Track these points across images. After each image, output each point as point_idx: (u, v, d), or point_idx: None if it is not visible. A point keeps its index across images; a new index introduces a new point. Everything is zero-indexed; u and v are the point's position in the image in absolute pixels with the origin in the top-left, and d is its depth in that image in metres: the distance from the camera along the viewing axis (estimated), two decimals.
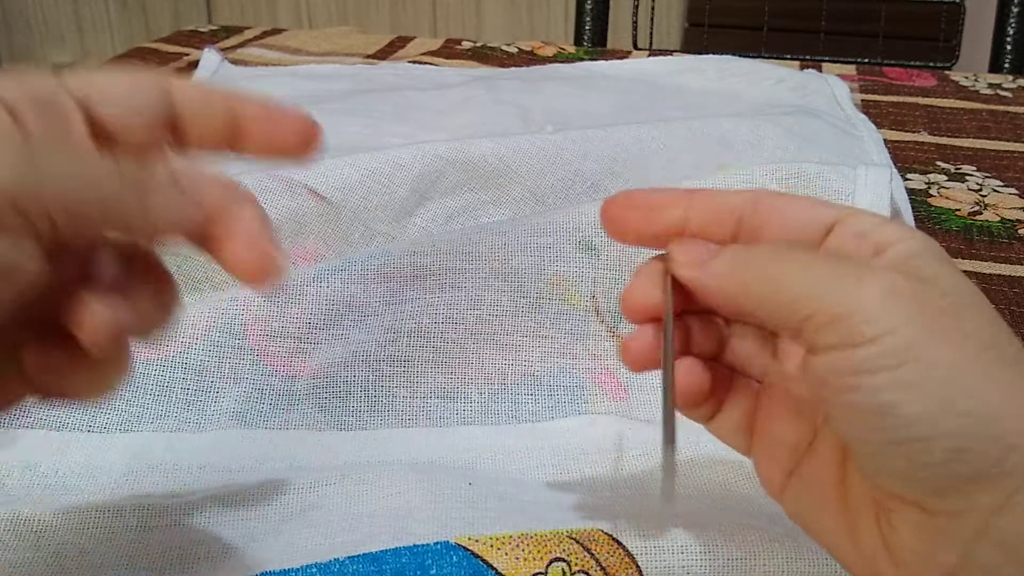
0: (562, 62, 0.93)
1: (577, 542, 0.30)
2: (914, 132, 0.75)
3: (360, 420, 0.40)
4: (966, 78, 0.89)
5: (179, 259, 0.37)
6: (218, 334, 0.40)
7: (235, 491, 0.35)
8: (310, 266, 0.43)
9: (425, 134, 0.65)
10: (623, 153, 0.55)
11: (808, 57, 0.98)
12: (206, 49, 0.88)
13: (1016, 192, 0.64)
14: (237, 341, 0.40)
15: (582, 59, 0.94)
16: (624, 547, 0.31)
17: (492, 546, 0.30)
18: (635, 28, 1.21)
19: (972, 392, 0.22)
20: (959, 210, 0.61)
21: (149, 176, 0.23)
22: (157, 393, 0.39)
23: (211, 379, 0.40)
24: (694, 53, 0.94)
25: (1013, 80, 0.89)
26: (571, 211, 0.43)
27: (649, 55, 0.94)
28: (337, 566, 0.29)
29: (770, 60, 0.91)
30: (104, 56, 0.91)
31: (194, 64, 0.87)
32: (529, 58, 0.95)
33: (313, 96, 0.77)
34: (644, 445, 0.38)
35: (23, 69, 0.24)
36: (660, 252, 0.29)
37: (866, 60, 1.02)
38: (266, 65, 0.90)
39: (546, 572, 0.30)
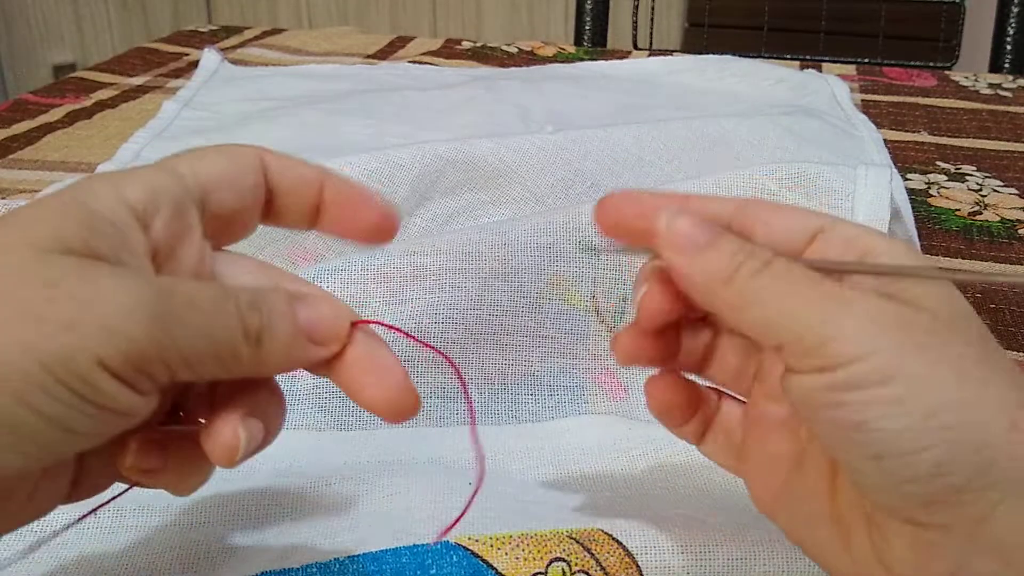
0: (562, 62, 0.93)
1: (577, 542, 0.30)
2: (914, 132, 0.75)
3: (360, 420, 0.40)
4: (966, 78, 0.89)
5: None
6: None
7: (235, 491, 0.35)
8: (310, 266, 0.43)
9: (425, 134, 0.65)
10: (623, 153, 0.55)
11: (808, 57, 0.98)
12: (206, 49, 0.88)
13: (1016, 192, 0.64)
14: None
15: (582, 59, 0.94)
16: (624, 547, 0.31)
17: (492, 546, 0.30)
18: (635, 28, 1.21)
19: (953, 407, 0.22)
20: (959, 210, 0.61)
21: (268, 313, 0.24)
22: None
23: None
24: (694, 53, 0.94)
25: (1013, 80, 0.89)
26: (571, 211, 0.43)
27: (649, 55, 0.94)
28: (337, 566, 0.29)
29: (770, 60, 0.91)
30: (104, 56, 0.91)
31: (194, 64, 0.87)
32: (529, 58, 0.95)
33: (313, 96, 0.77)
34: (644, 445, 0.38)
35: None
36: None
37: (866, 60, 1.02)
38: (266, 65, 0.90)
39: (546, 572, 0.30)
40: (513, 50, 0.98)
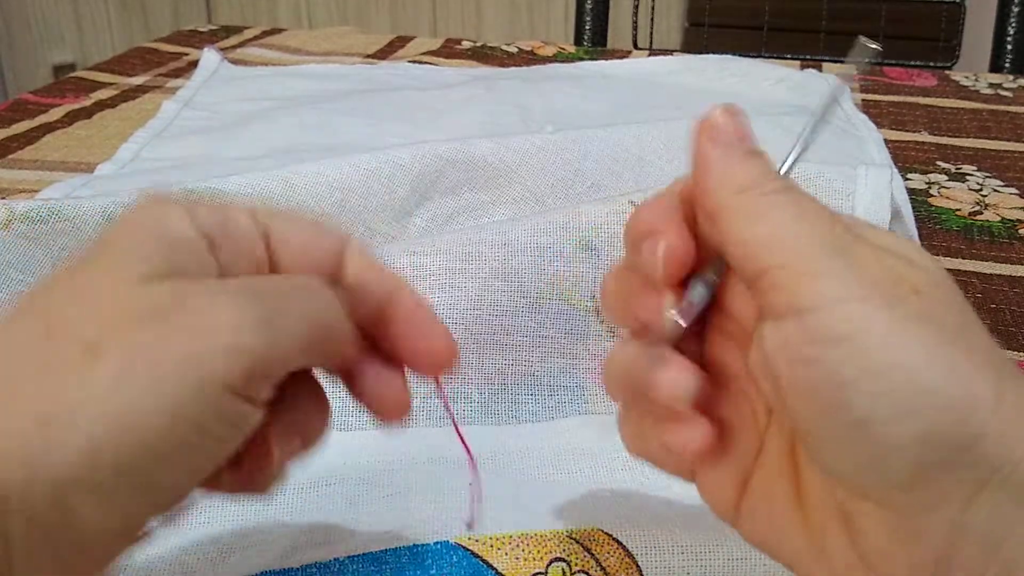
0: (562, 62, 0.93)
1: (577, 542, 0.30)
2: (914, 132, 0.75)
3: (361, 420, 0.40)
4: (966, 78, 0.89)
5: None
6: None
7: None
8: None
9: (425, 134, 0.65)
10: (623, 153, 0.55)
11: (808, 57, 0.98)
12: (206, 49, 0.88)
13: (1016, 192, 0.64)
14: None
15: (582, 59, 0.94)
16: (624, 547, 0.31)
17: (492, 546, 0.30)
18: (635, 28, 1.21)
19: (942, 372, 0.20)
20: (959, 210, 0.61)
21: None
22: None
23: None
24: (694, 53, 0.94)
25: (1013, 80, 0.89)
26: (571, 211, 0.43)
27: (649, 55, 0.94)
28: (337, 566, 0.29)
29: (770, 60, 0.91)
30: (104, 56, 0.91)
31: (194, 64, 0.87)
32: (529, 58, 0.95)
33: (313, 96, 0.77)
34: None
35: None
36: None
37: (866, 60, 1.02)
38: (266, 65, 0.90)
39: (546, 572, 0.30)
40: (513, 50, 0.98)
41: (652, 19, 1.25)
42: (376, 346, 0.26)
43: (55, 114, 0.76)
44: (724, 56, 0.86)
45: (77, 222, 0.45)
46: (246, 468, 0.24)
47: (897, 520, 0.21)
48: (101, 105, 0.78)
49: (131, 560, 0.32)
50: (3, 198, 0.60)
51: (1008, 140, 0.73)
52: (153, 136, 0.69)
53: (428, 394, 0.41)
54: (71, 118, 0.75)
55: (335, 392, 0.41)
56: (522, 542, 0.30)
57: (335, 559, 0.30)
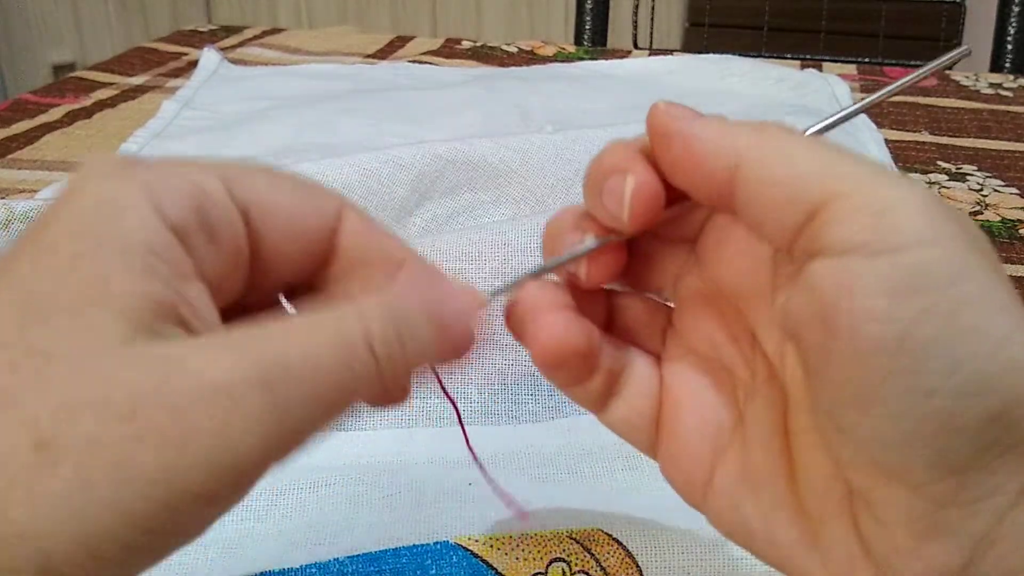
0: (562, 62, 0.93)
1: (577, 542, 0.30)
2: (915, 132, 0.75)
3: (360, 420, 0.40)
4: (967, 78, 0.89)
5: None
6: None
7: None
8: None
9: (425, 134, 0.65)
10: None
11: (808, 57, 0.98)
12: (205, 49, 0.88)
13: (1017, 192, 0.64)
14: None
15: (582, 59, 0.94)
16: (624, 547, 0.31)
17: (492, 546, 0.30)
18: (635, 28, 1.21)
19: (1020, 330, 0.17)
20: (960, 210, 0.61)
21: (410, 339, 0.20)
22: None
23: None
24: (694, 53, 0.94)
25: (1014, 80, 0.89)
26: None
27: (649, 55, 0.94)
28: (337, 566, 0.29)
29: (770, 60, 0.91)
30: (103, 56, 0.91)
31: (193, 64, 0.87)
32: (529, 58, 0.95)
33: (313, 96, 0.77)
34: None
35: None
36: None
37: (866, 60, 1.02)
38: (266, 65, 0.90)
39: (546, 572, 0.30)
40: (513, 50, 0.98)
41: (652, 19, 1.25)
42: None
43: (55, 114, 0.76)
44: (724, 56, 0.86)
45: None
46: None
47: (931, 511, 0.18)
48: (101, 105, 0.78)
49: None
50: (3, 198, 0.60)
51: (1008, 140, 0.73)
52: (153, 136, 0.69)
53: (428, 394, 0.41)
54: (71, 118, 0.75)
55: None
56: (522, 542, 0.30)
57: (335, 559, 0.30)
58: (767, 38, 1.19)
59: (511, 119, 0.69)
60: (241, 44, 0.97)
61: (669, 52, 0.98)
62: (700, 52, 0.96)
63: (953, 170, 0.67)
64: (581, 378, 0.24)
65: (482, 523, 0.32)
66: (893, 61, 1.03)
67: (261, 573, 0.29)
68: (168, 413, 0.16)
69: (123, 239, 0.18)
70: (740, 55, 0.86)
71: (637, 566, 0.30)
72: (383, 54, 0.96)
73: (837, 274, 0.18)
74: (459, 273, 0.42)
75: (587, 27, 1.14)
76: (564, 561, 0.30)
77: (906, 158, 0.69)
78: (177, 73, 0.87)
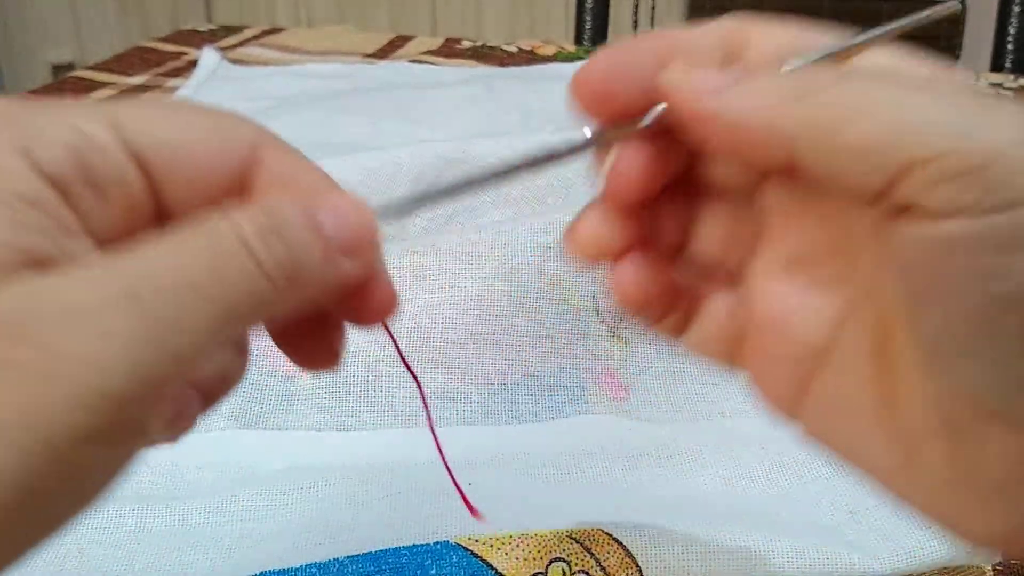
0: (562, 62, 0.93)
1: (577, 542, 0.30)
2: None
3: (360, 420, 0.40)
4: (968, 77, 0.89)
5: None
6: None
7: (234, 492, 0.35)
8: None
9: (424, 133, 0.65)
10: None
11: None
12: (205, 48, 0.88)
13: None
14: None
15: (582, 59, 0.93)
16: (624, 547, 0.31)
17: (492, 546, 0.30)
18: (635, 28, 1.21)
19: None
20: None
21: (289, 237, 0.18)
22: None
23: None
24: None
25: (1015, 79, 0.89)
26: (571, 211, 0.43)
27: None
28: (337, 566, 0.29)
29: None
30: (103, 55, 0.90)
31: (193, 63, 0.87)
32: (529, 57, 0.95)
33: (313, 95, 0.77)
34: (645, 445, 0.38)
35: (59, 104, 0.18)
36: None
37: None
38: (265, 64, 0.90)
39: (546, 572, 0.30)
40: (513, 50, 0.98)
41: (652, 18, 1.25)
42: None
43: None
44: None
45: None
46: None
47: None
48: None
49: (131, 562, 0.32)
50: None
51: None
52: None
53: (428, 394, 0.41)
54: None
55: (332, 393, 0.41)
56: (522, 542, 0.30)
57: (335, 559, 0.30)
58: None
59: (511, 119, 0.69)
60: (240, 44, 0.97)
61: None
62: None
63: None
64: (661, 317, 0.23)
65: (482, 523, 0.32)
66: None
67: (261, 573, 0.29)
68: (29, 343, 0.15)
69: None
70: None
71: (637, 566, 0.30)
72: (383, 54, 0.96)
73: (941, 238, 0.17)
74: (459, 273, 0.42)
75: (587, 27, 1.14)
76: (564, 561, 0.30)
77: None
78: (176, 73, 0.87)
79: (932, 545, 0.32)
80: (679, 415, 0.41)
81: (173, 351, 0.16)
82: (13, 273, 0.16)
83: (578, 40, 1.15)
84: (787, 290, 0.21)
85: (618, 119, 0.20)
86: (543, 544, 0.30)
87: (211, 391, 0.22)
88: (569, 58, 0.95)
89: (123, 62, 0.91)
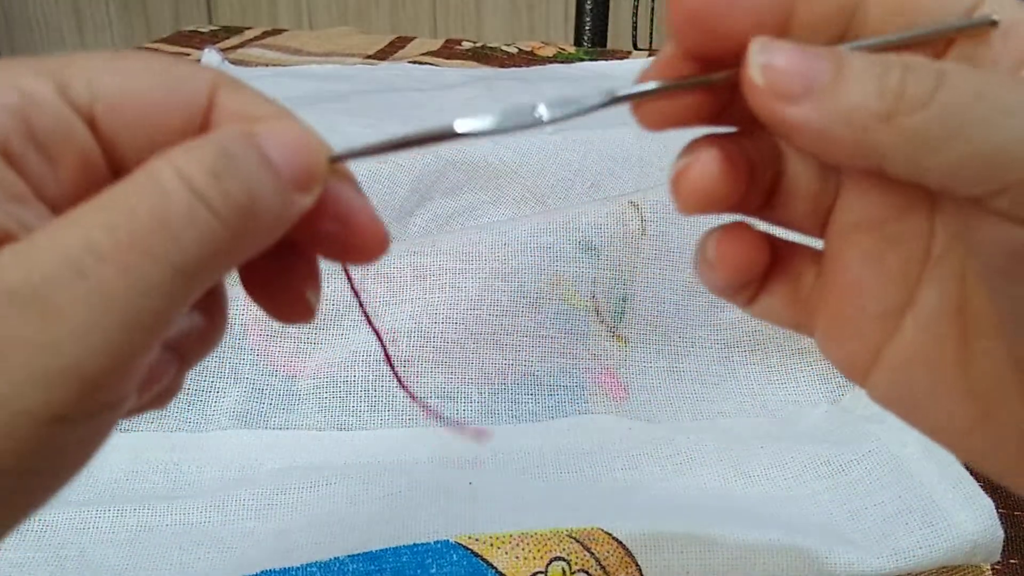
0: (562, 62, 0.93)
1: (577, 541, 0.31)
2: None
3: (360, 420, 0.40)
4: None
5: None
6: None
7: (235, 491, 0.35)
8: None
9: None
10: (623, 153, 0.55)
11: None
12: (206, 49, 0.88)
13: None
14: (237, 341, 0.40)
15: (582, 59, 0.94)
16: (624, 547, 0.31)
17: (492, 545, 0.30)
18: (635, 28, 1.21)
19: None
20: None
21: (240, 170, 0.17)
22: None
23: (211, 379, 0.40)
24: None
25: None
26: (571, 211, 0.43)
27: (649, 55, 0.94)
28: (337, 565, 0.30)
29: None
30: None
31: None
32: (529, 58, 0.95)
33: (313, 96, 0.77)
34: (645, 445, 0.38)
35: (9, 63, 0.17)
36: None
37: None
38: (266, 65, 0.90)
39: (546, 571, 0.30)
40: (513, 50, 0.98)
41: (652, 19, 1.26)
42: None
43: None
44: None
45: None
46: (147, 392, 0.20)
47: None
48: None
49: (133, 561, 0.32)
50: None
51: None
52: None
53: (428, 394, 0.41)
54: None
55: (333, 393, 0.41)
56: (522, 541, 0.30)
57: (335, 558, 0.30)
58: None
59: None
60: (242, 45, 0.97)
61: None
62: None
63: None
64: (749, 283, 0.22)
65: (482, 522, 0.32)
66: None
67: (262, 572, 0.30)
68: None
69: None
70: None
71: (637, 565, 0.30)
72: (383, 55, 0.96)
73: None
74: (459, 273, 0.42)
75: (587, 28, 1.14)
76: (564, 560, 0.30)
77: None
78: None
79: (932, 545, 0.32)
80: (679, 415, 0.41)
81: (130, 321, 0.15)
82: None
83: (578, 41, 1.15)
84: (863, 249, 0.20)
85: (709, 55, 0.19)
86: (543, 543, 0.30)
87: (188, 352, 0.21)
88: (569, 59, 0.95)
89: None
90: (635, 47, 1.18)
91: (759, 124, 0.18)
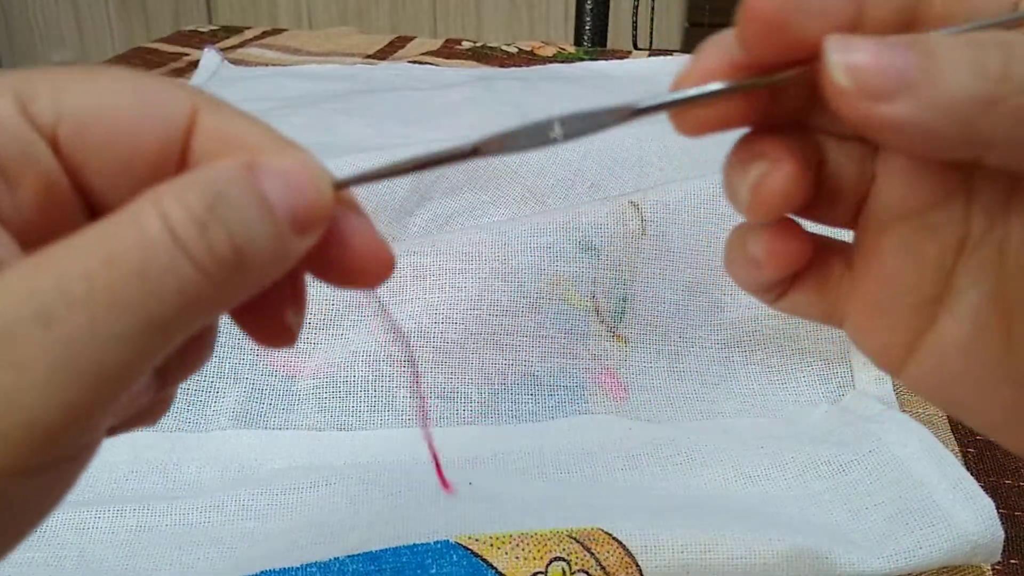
0: (562, 62, 0.93)
1: (577, 541, 0.30)
2: None
3: (360, 420, 0.40)
4: None
5: None
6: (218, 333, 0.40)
7: (235, 491, 0.35)
8: None
9: (425, 134, 0.65)
10: (623, 153, 0.55)
11: None
12: (206, 49, 0.88)
13: None
14: (237, 341, 0.40)
15: (582, 59, 0.94)
16: (624, 547, 0.31)
17: (492, 545, 0.30)
18: (635, 28, 1.21)
19: None
20: None
21: (231, 216, 0.15)
22: None
23: (211, 379, 0.40)
24: (694, 53, 0.94)
25: None
26: (571, 211, 0.43)
27: (649, 55, 0.94)
28: (337, 565, 0.29)
29: None
30: (104, 56, 0.91)
31: (194, 64, 0.87)
32: (529, 58, 0.95)
33: (313, 96, 0.77)
34: (645, 445, 0.38)
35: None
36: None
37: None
38: (266, 65, 0.90)
39: (546, 571, 0.30)
40: (513, 50, 0.98)
41: (652, 19, 1.26)
42: None
43: None
44: None
45: None
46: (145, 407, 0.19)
47: None
48: None
49: (132, 561, 0.32)
50: None
51: None
52: None
53: (428, 394, 0.41)
54: None
55: (332, 393, 0.41)
56: (522, 541, 0.30)
57: (335, 558, 0.30)
58: None
59: (511, 119, 0.69)
60: (242, 44, 0.97)
61: (669, 53, 0.98)
62: None
63: None
64: (780, 285, 0.21)
65: (482, 522, 0.32)
66: None
67: (262, 572, 0.30)
68: None
69: None
70: None
71: (637, 565, 0.30)
72: (383, 54, 0.96)
73: None
74: (459, 273, 0.42)
75: (587, 27, 1.14)
76: (564, 560, 0.30)
77: None
78: (178, 74, 0.87)
79: (932, 545, 0.32)
80: (679, 415, 0.41)
81: (98, 374, 0.14)
82: None
83: (578, 41, 1.15)
84: (900, 239, 0.19)
85: (778, 55, 0.18)
86: (543, 544, 0.30)
87: (170, 375, 0.20)
88: (569, 58, 0.95)
89: (124, 63, 0.91)
90: (635, 47, 1.18)
91: (797, 121, 0.18)
